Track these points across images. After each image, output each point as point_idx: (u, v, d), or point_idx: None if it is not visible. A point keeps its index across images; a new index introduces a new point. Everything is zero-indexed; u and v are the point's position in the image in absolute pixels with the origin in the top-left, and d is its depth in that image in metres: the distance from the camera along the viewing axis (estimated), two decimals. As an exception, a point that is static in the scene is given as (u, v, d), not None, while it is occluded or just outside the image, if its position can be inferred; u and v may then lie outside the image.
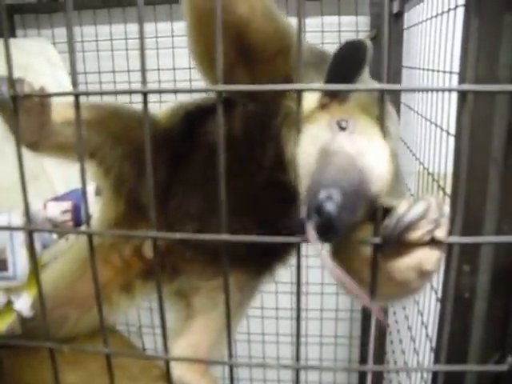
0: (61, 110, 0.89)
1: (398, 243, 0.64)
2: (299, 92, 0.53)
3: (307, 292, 2.35)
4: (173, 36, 2.17)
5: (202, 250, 1.05)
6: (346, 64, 0.70)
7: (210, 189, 1.01)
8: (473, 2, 0.92)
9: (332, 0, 2.09)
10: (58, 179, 1.47)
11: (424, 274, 0.71)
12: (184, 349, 1.07)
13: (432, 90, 0.47)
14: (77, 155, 0.60)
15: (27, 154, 0.87)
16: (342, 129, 0.66)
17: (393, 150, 0.68)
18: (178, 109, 1.04)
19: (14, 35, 2.17)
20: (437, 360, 1.13)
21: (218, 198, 1.00)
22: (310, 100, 0.77)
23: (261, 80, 0.79)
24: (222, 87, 0.55)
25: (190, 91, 0.58)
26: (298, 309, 0.62)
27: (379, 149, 0.64)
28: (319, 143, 0.65)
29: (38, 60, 1.66)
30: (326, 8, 2.10)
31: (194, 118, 0.99)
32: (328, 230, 0.53)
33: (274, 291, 2.37)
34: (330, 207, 0.52)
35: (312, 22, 2.09)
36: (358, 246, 0.78)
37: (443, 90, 0.59)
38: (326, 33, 2.10)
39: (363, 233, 0.78)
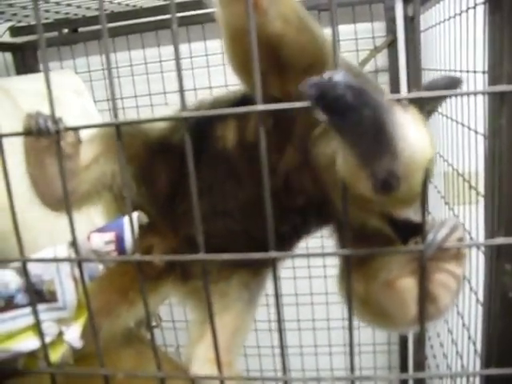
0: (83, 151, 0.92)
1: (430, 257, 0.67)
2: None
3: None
4: (207, 55, 2.21)
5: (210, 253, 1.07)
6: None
7: (215, 193, 1.02)
8: None
9: (346, 8, 2.09)
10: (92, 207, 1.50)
11: (451, 290, 0.73)
12: (205, 352, 1.08)
13: (469, 94, 0.47)
14: (122, 186, 0.61)
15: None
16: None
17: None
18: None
19: (38, 70, 2.23)
20: (486, 364, 1.12)
21: (222, 202, 1.02)
22: None
23: (292, 91, 0.79)
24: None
25: (229, 113, 0.59)
26: (350, 319, 0.63)
27: (424, 132, 0.58)
28: None
29: (65, 92, 1.70)
30: (341, 17, 2.11)
31: (202, 122, 1.00)
32: (332, 95, 0.50)
33: (325, 302, 2.37)
34: (338, 78, 0.49)
35: (329, 32, 2.10)
36: (377, 273, 0.80)
37: (481, 93, 0.59)
38: (342, 41, 2.11)
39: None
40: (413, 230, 0.65)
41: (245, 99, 0.93)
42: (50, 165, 0.86)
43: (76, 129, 0.80)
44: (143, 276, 1.13)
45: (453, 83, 0.70)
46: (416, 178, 0.57)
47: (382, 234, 0.74)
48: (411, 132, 0.56)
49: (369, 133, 0.53)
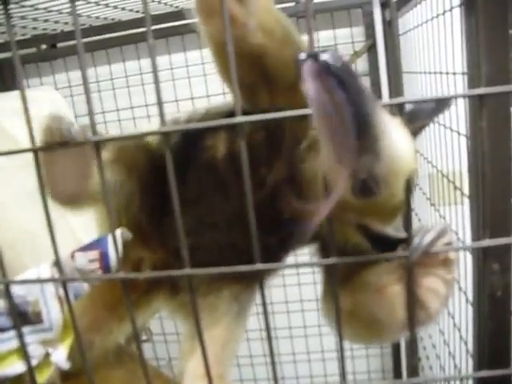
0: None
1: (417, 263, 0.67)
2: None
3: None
4: (187, 66, 2.21)
5: (197, 266, 1.06)
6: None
7: (203, 205, 1.01)
8: (469, 1, 0.93)
9: (325, 14, 2.10)
10: (77, 224, 1.48)
11: (439, 296, 0.74)
12: (196, 366, 1.07)
13: (451, 98, 0.47)
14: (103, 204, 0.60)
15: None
16: None
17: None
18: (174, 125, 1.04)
19: (17, 88, 2.20)
20: (478, 364, 1.12)
21: (209, 214, 1.01)
22: None
23: (281, 105, 0.79)
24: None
25: (211, 126, 0.59)
26: (339, 325, 0.62)
27: (408, 138, 0.57)
28: None
29: (45, 109, 1.68)
30: (320, 23, 2.12)
31: (190, 134, 0.99)
32: (323, 71, 0.48)
33: (316, 309, 2.36)
34: (327, 56, 0.47)
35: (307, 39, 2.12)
36: (368, 278, 0.80)
37: (462, 96, 0.59)
38: (322, 47, 2.11)
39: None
40: (391, 246, 0.65)
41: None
42: (63, 165, 0.83)
43: (110, 140, 0.79)
44: (131, 291, 1.13)
45: (439, 107, 0.70)
46: (397, 185, 0.56)
47: (365, 252, 0.74)
48: (397, 135, 0.54)
49: (352, 124, 0.50)
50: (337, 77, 0.47)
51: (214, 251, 1.00)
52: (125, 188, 1.00)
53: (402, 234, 0.63)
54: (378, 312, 0.81)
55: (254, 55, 0.78)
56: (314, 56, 0.48)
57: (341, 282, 0.79)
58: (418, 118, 0.70)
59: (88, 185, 0.84)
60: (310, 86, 0.48)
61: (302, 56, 0.48)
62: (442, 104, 0.56)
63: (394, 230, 0.65)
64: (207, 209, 1.01)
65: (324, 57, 0.48)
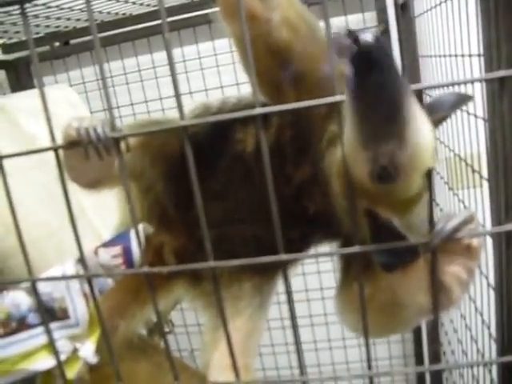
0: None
1: (441, 249, 0.66)
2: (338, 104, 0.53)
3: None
4: (200, 58, 2.21)
5: (217, 258, 1.07)
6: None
7: (230, 197, 1.02)
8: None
9: (336, 1, 2.08)
10: (98, 219, 1.50)
11: (462, 282, 0.74)
12: (221, 358, 1.08)
13: (471, 82, 0.46)
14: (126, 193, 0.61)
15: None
16: None
17: None
18: (204, 113, 1.04)
19: (32, 86, 2.22)
20: (502, 349, 1.11)
21: (236, 207, 1.01)
22: None
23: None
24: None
25: (229, 118, 0.59)
26: (364, 311, 0.62)
27: (429, 127, 0.57)
28: None
29: (61, 106, 1.70)
30: (331, 9, 2.10)
31: (221, 125, 0.99)
32: (361, 52, 0.48)
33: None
34: (366, 37, 0.48)
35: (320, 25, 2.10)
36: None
37: (482, 80, 0.58)
38: (334, 34, 2.10)
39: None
40: (392, 239, 0.64)
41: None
42: (85, 162, 0.84)
43: (130, 135, 0.80)
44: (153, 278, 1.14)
45: (460, 100, 0.69)
46: (416, 176, 0.56)
47: None
48: (423, 125, 0.54)
49: (384, 108, 0.51)
50: (374, 59, 0.47)
51: (240, 243, 1.01)
52: (150, 171, 1.01)
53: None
54: (401, 295, 0.81)
55: (280, 51, 0.77)
56: (353, 36, 0.48)
57: (362, 268, 0.79)
58: (438, 109, 0.69)
59: (110, 171, 0.85)
60: (347, 66, 0.49)
61: (341, 36, 0.48)
62: (463, 97, 0.55)
63: (420, 221, 0.64)
64: (235, 201, 1.02)
65: (363, 37, 0.47)
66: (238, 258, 0.60)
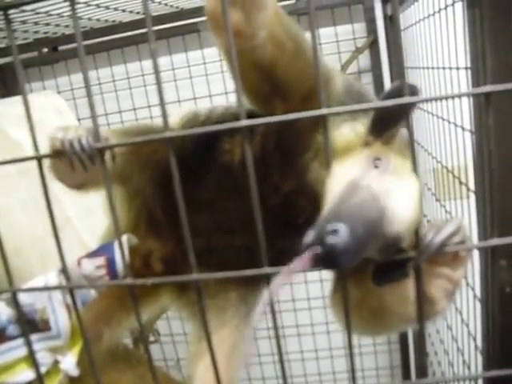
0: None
1: (428, 261, 0.67)
2: (324, 118, 0.53)
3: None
4: (189, 66, 2.21)
5: (207, 267, 1.07)
6: (388, 117, 0.70)
7: (219, 207, 1.01)
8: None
9: (326, 11, 2.09)
10: (84, 228, 1.48)
11: (448, 293, 0.75)
12: (206, 370, 1.07)
13: (457, 96, 0.47)
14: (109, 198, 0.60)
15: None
16: (376, 167, 0.67)
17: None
18: (192, 121, 1.04)
19: (19, 92, 2.19)
20: (487, 362, 1.11)
21: (225, 218, 1.01)
22: (352, 137, 0.77)
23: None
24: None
25: (215, 130, 0.59)
26: (348, 322, 0.62)
27: (409, 190, 0.64)
28: (349, 176, 0.65)
29: (48, 113, 1.68)
30: (321, 20, 2.11)
31: (209, 135, 0.98)
32: (328, 263, 0.54)
33: (322, 306, 2.36)
34: (333, 241, 0.52)
35: (309, 36, 2.11)
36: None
37: (468, 95, 0.58)
38: (324, 44, 2.11)
39: None
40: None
41: (251, 115, 0.94)
42: (71, 170, 0.83)
43: (114, 146, 0.79)
44: (140, 286, 1.13)
45: (405, 108, 0.70)
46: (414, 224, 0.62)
47: None
48: (400, 204, 0.61)
49: (372, 241, 0.58)
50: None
51: (230, 253, 1.00)
52: (139, 177, 1.00)
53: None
54: (388, 302, 0.81)
55: (265, 66, 0.77)
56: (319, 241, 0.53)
57: (353, 272, 0.79)
58: (386, 122, 0.70)
59: (95, 177, 0.84)
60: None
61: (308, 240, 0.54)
62: (406, 107, 0.57)
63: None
64: (223, 211, 1.01)
65: (330, 241, 0.52)
66: (229, 267, 0.60)
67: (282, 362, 0.63)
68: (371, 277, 0.73)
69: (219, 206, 1.02)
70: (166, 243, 1.08)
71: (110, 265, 0.84)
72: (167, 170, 0.60)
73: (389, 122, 0.70)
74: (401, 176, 0.65)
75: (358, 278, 0.82)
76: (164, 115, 0.57)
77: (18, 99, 1.85)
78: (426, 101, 0.52)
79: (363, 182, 0.63)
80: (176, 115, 1.05)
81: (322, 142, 0.81)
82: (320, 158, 0.82)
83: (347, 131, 0.80)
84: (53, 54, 2.26)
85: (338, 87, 0.85)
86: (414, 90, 0.57)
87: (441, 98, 0.64)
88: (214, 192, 1.01)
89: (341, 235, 0.53)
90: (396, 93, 0.59)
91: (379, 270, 0.71)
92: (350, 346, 0.63)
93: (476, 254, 1.19)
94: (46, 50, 2.26)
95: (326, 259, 0.53)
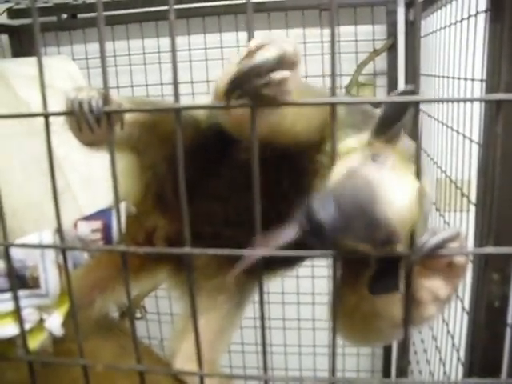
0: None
1: (422, 264, 0.67)
2: (333, 105, 0.53)
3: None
4: (206, 48, 2.20)
5: (213, 256, 1.07)
6: (395, 109, 0.70)
7: (231, 202, 1.02)
8: (496, 7, 0.92)
9: (348, 10, 2.09)
10: (82, 195, 1.49)
11: (438, 300, 0.74)
12: (189, 348, 1.08)
13: (465, 101, 0.47)
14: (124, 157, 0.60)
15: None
16: (375, 161, 0.67)
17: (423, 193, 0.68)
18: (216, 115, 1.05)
19: (34, 53, 2.19)
20: (468, 372, 1.12)
21: (236, 213, 1.01)
22: (355, 146, 0.77)
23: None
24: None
25: (223, 107, 0.59)
26: (334, 320, 0.62)
27: (405, 185, 0.64)
28: (348, 166, 0.65)
29: (61, 77, 1.68)
30: (342, 18, 2.10)
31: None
32: (313, 235, 0.55)
33: (311, 302, 2.37)
34: (321, 215, 0.54)
35: (329, 32, 2.10)
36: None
37: (478, 100, 0.58)
38: (342, 42, 2.10)
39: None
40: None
41: None
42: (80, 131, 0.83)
43: (123, 111, 0.79)
44: (140, 257, 1.14)
45: (405, 109, 0.71)
46: (411, 223, 0.62)
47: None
48: (397, 196, 0.61)
49: (362, 228, 0.58)
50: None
51: (235, 245, 1.01)
52: (155, 151, 1.00)
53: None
54: (379, 306, 0.81)
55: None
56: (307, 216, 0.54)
57: (349, 276, 0.80)
58: (389, 123, 0.70)
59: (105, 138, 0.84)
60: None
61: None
62: (406, 107, 0.57)
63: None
64: (236, 207, 1.02)
65: (318, 218, 0.54)
66: (234, 258, 0.60)
67: (264, 353, 0.64)
68: (366, 286, 0.73)
69: (232, 200, 1.03)
70: (171, 222, 1.09)
71: (106, 230, 0.84)
72: (187, 151, 0.60)
73: (392, 122, 0.71)
74: (398, 172, 0.65)
75: (354, 285, 0.83)
76: (176, 87, 0.57)
77: (30, 60, 1.84)
78: (434, 101, 0.52)
79: (360, 171, 0.64)
80: (187, 96, 1.06)
81: (322, 163, 0.83)
82: (321, 176, 0.83)
83: (351, 142, 0.80)
84: (71, 20, 2.26)
85: (341, 112, 0.86)
86: (411, 93, 0.58)
87: (451, 101, 0.64)
88: (228, 186, 1.03)
89: (328, 210, 0.54)
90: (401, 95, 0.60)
91: (374, 279, 0.72)
92: (334, 345, 0.64)
93: (469, 266, 1.19)
94: (65, 16, 2.25)
95: (311, 232, 0.54)
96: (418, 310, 0.75)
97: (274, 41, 0.60)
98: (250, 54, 0.59)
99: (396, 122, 0.70)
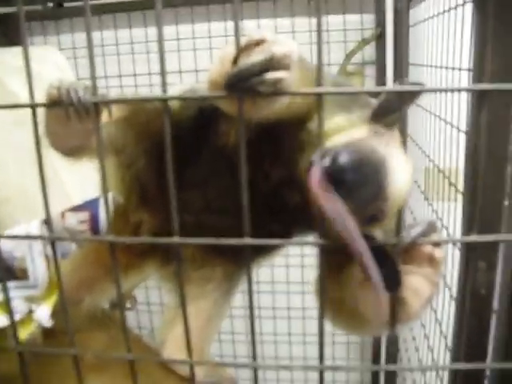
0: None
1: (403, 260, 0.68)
2: (320, 95, 0.53)
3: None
4: (194, 38, 2.19)
5: (196, 245, 1.07)
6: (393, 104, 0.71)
7: (211, 187, 1.02)
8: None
9: (337, -1, 2.09)
10: (71, 184, 1.48)
11: (422, 297, 0.74)
12: (178, 337, 1.08)
13: (453, 91, 0.47)
14: (99, 160, 0.60)
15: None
16: (380, 137, 0.68)
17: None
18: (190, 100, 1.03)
19: (20, 43, 2.17)
20: (455, 358, 1.13)
21: (217, 198, 1.01)
22: (345, 124, 0.77)
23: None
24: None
25: (212, 97, 0.59)
26: (322, 308, 0.63)
27: (406, 167, 0.66)
28: (354, 137, 0.66)
29: (47, 67, 1.67)
30: (330, 7, 2.10)
31: (206, 115, 0.98)
32: (338, 179, 0.56)
33: (301, 291, 2.38)
34: (345, 158, 0.56)
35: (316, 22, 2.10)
36: (354, 271, 0.80)
37: (464, 90, 0.59)
38: (331, 32, 2.10)
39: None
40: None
41: None
42: (66, 124, 0.82)
43: (110, 102, 0.78)
44: (126, 253, 1.14)
45: (407, 97, 0.71)
46: (398, 207, 0.64)
47: None
48: (399, 175, 0.63)
49: (368, 192, 0.60)
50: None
51: (219, 233, 1.01)
52: (133, 147, 1.00)
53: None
54: (363, 305, 0.82)
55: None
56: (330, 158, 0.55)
57: (334, 270, 0.80)
58: (388, 110, 0.71)
59: (89, 139, 0.84)
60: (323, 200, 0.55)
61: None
62: (408, 95, 0.58)
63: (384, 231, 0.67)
64: (216, 192, 1.02)
65: (342, 158, 0.55)
66: (221, 248, 0.61)
67: (253, 342, 0.64)
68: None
69: (211, 185, 1.02)
70: (155, 216, 1.08)
71: (93, 220, 0.84)
72: (161, 142, 0.60)
73: (388, 112, 0.71)
74: (401, 153, 0.66)
75: (337, 278, 0.83)
76: (163, 77, 0.57)
77: (17, 50, 1.82)
78: (424, 91, 0.53)
79: (367, 141, 0.65)
80: (176, 90, 1.05)
81: (311, 133, 0.82)
82: (309, 150, 0.83)
83: (340, 120, 0.80)
84: (58, 9, 2.23)
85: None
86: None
87: (438, 90, 0.65)
88: (206, 172, 1.02)
89: (349, 160, 0.56)
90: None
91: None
92: (322, 332, 0.64)
93: (457, 254, 1.21)
94: (51, 4, 2.23)
95: (335, 174, 0.56)
96: (402, 310, 0.75)
97: (268, 41, 0.62)
98: (248, 48, 0.60)
99: (395, 110, 0.70)
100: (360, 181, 0.58)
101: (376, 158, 0.62)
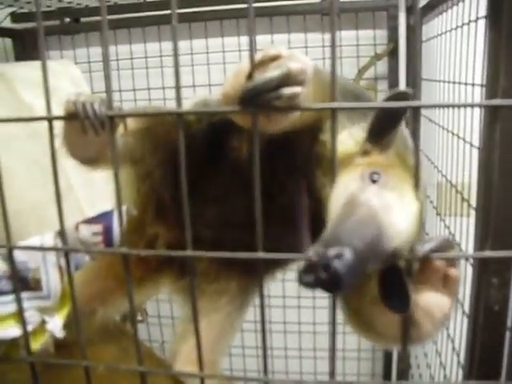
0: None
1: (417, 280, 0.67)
2: (333, 110, 0.54)
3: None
4: (208, 53, 2.21)
5: (213, 260, 1.07)
6: (389, 113, 0.70)
7: (228, 202, 1.02)
8: (495, 13, 0.93)
9: (350, 14, 2.10)
10: (85, 198, 1.49)
11: (434, 318, 0.74)
12: (189, 350, 1.08)
13: (465, 106, 0.47)
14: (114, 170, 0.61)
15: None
16: (374, 182, 0.66)
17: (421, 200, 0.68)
18: (204, 109, 1.04)
19: (37, 57, 2.21)
20: (467, 375, 1.12)
21: (234, 213, 1.02)
22: (350, 145, 0.77)
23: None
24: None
25: (226, 111, 0.59)
26: (334, 323, 0.62)
27: (407, 205, 0.64)
28: (348, 191, 0.65)
29: (63, 81, 1.69)
30: (343, 22, 2.11)
31: (219, 130, 0.99)
32: (331, 287, 0.54)
33: (312, 306, 2.36)
34: (338, 266, 0.52)
35: (330, 37, 2.11)
36: (370, 288, 0.80)
37: (477, 106, 0.59)
38: (344, 47, 2.11)
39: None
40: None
41: None
42: (83, 136, 0.83)
43: (125, 115, 0.79)
44: (142, 267, 1.14)
45: (400, 111, 0.70)
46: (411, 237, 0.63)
47: None
48: (401, 221, 0.62)
49: (377, 260, 0.60)
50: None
51: (236, 247, 1.02)
52: (150, 158, 1.01)
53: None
54: (377, 321, 0.82)
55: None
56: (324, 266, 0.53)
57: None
58: (383, 129, 0.70)
59: (106, 152, 0.84)
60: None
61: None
62: (402, 112, 0.58)
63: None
64: (232, 206, 1.02)
65: (335, 265, 0.52)
66: (236, 260, 0.60)
67: (265, 356, 0.64)
68: (380, 299, 0.73)
69: (228, 200, 1.03)
70: (171, 229, 1.09)
71: (107, 233, 0.85)
72: (177, 154, 0.60)
73: (386, 127, 0.70)
74: (399, 191, 0.65)
75: (356, 291, 0.83)
76: (178, 91, 0.58)
77: (34, 64, 1.86)
78: (433, 107, 0.53)
79: (362, 197, 0.63)
80: (189, 102, 1.05)
81: (322, 152, 0.82)
82: (322, 166, 0.83)
83: (345, 137, 0.80)
84: (74, 24, 2.27)
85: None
86: (405, 96, 0.58)
87: (450, 106, 0.65)
88: (223, 187, 1.03)
89: (345, 259, 0.53)
90: (395, 98, 0.60)
91: (385, 294, 0.71)
92: (333, 348, 0.64)
93: (469, 270, 1.20)
94: (67, 19, 2.27)
95: (329, 283, 0.53)
96: (415, 330, 0.74)
97: (285, 57, 0.62)
98: (263, 63, 0.61)
99: (391, 127, 0.70)
100: (360, 268, 0.56)
101: (371, 228, 0.59)
